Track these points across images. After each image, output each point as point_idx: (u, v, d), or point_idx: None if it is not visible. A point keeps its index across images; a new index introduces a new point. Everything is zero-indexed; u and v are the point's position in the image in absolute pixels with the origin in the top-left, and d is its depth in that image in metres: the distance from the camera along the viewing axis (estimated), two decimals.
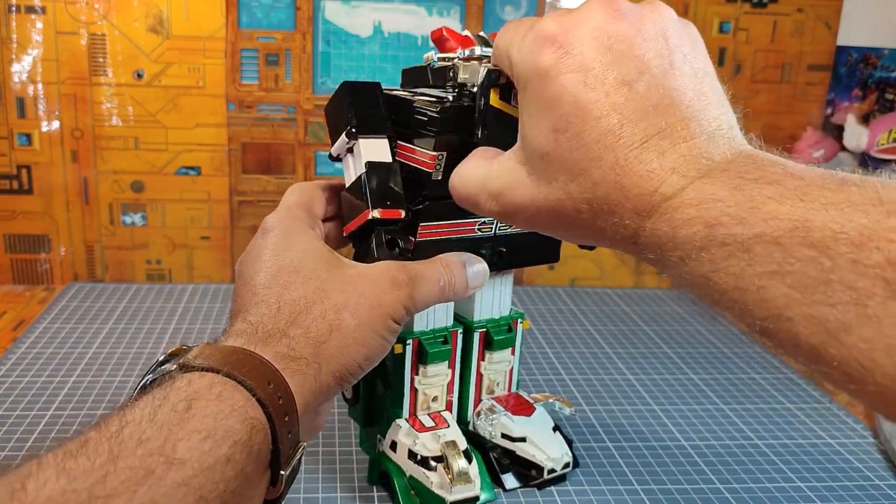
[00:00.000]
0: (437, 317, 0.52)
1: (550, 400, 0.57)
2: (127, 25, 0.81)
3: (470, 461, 0.49)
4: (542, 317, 0.84)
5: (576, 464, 0.55)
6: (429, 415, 0.52)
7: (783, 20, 0.90)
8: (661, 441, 0.60)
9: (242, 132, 0.86)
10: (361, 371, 0.41)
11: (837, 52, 0.92)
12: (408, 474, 0.50)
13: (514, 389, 0.56)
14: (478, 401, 0.55)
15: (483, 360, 0.54)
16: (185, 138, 0.85)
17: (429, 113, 0.43)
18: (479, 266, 0.46)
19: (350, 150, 0.46)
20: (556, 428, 0.54)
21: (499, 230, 0.49)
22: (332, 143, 0.48)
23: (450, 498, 0.48)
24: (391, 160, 0.46)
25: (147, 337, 0.74)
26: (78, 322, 0.77)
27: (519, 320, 0.55)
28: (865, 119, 0.91)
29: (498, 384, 0.55)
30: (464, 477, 0.47)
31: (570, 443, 0.55)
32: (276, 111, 0.85)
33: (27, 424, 0.58)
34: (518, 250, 0.50)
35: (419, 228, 0.46)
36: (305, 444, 0.38)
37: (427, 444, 0.49)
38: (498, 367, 0.55)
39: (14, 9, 0.79)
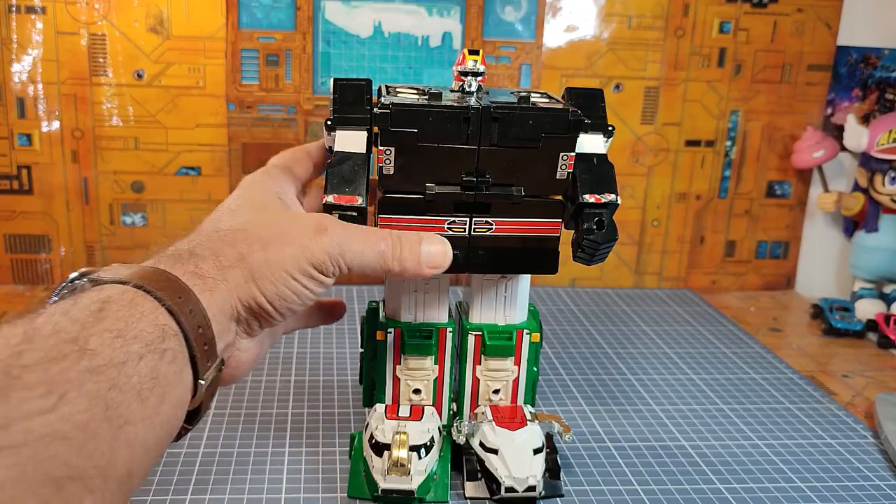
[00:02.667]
0: (427, 311, 0.52)
1: (551, 421, 0.54)
2: (127, 25, 0.81)
3: (423, 456, 0.49)
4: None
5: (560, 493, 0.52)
6: (410, 406, 0.52)
7: (783, 20, 0.90)
8: (661, 441, 0.60)
9: (243, 132, 0.86)
10: (273, 308, 0.41)
11: (837, 52, 0.92)
12: (364, 455, 0.51)
13: (521, 402, 0.54)
14: (474, 405, 0.54)
15: (479, 364, 0.53)
16: (185, 138, 0.85)
17: (375, 108, 0.45)
18: (439, 247, 0.45)
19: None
20: (539, 450, 0.51)
21: (474, 231, 0.48)
22: None
23: (382, 485, 0.48)
24: (364, 151, 0.47)
25: None
26: None
27: (525, 332, 0.53)
28: (865, 119, 0.91)
29: (496, 392, 0.54)
30: (399, 469, 0.48)
31: (556, 471, 0.52)
32: (276, 111, 0.85)
33: None
34: (499, 255, 0.49)
35: (379, 221, 0.47)
36: (224, 359, 0.39)
37: (386, 432, 0.50)
38: (495, 375, 0.54)
39: (14, 9, 0.79)
